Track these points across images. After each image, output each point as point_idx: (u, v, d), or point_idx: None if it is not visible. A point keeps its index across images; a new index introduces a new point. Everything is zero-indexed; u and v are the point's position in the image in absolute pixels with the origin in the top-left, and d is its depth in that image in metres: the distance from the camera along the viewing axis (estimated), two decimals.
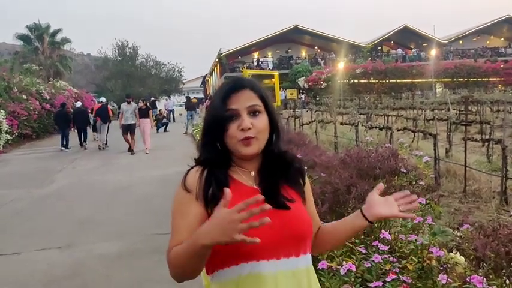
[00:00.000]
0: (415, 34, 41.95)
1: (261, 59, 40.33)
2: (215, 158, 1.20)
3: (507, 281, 1.85)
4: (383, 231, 2.46)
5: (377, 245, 2.28)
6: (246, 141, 1.16)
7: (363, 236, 2.59)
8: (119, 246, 4.74)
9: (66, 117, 14.77)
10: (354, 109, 15.33)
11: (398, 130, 9.32)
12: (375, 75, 34.91)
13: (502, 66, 36.86)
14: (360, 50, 40.15)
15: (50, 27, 35.42)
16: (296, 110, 17.62)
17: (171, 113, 27.15)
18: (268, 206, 0.97)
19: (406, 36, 42.36)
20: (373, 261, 2.16)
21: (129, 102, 12.78)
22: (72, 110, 16.52)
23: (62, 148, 14.09)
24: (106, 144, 14.40)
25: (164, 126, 20.23)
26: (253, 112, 1.18)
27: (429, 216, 2.78)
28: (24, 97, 18.09)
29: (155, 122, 20.74)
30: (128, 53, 38.30)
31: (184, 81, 44.64)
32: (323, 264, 2.19)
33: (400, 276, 2.01)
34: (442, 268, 2.00)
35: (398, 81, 35.02)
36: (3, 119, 15.02)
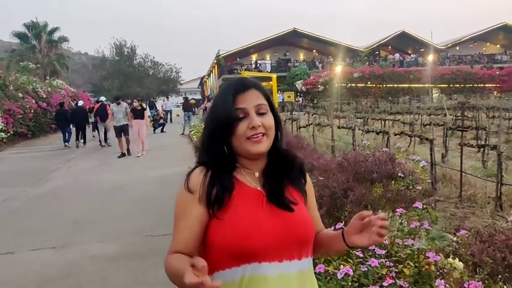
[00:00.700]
0: (413, 39, 42.16)
1: (259, 61, 40.40)
2: (220, 161, 1.19)
3: (504, 287, 1.85)
4: None
5: (374, 249, 2.29)
6: (256, 139, 1.16)
7: None
8: (115, 247, 4.72)
9: (66, 115, 15.23)
10: (351, 113, 15.38)
11: (395, 134, 9.34)
12: (372, 79, 35.04)
13: (497, 72, 37.14)
14: (358, 54, 40.28)
15: (47, 25, 35.28)
16: (293, 112, 17.63)
17: (169, 114, 27.10)
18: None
19: (404, 41, 42.56)
20: (369, 265, 2.16)
21: (118, 103, 12.15)
22: (69, 109, 16.95)
23: (66, 144, 14.74)
24: (106, 141, 14.75)
25: (161, 127, 20.18)
26: (260, 111, 1.18)
27: (426, 221, 2.78)
28: (20, 95, 18.00)
29: (152, 122, 20.72)
30: (125, 53, 38.23)
31: (181, 82, 44.60)
32: (320, 268, 2.19)
33: (397, 281, 2.01)
34: (439, 273, 2.00)
35: (395, 85, 35.15)
36: None
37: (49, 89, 22.31)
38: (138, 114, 12.27)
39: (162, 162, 10.32)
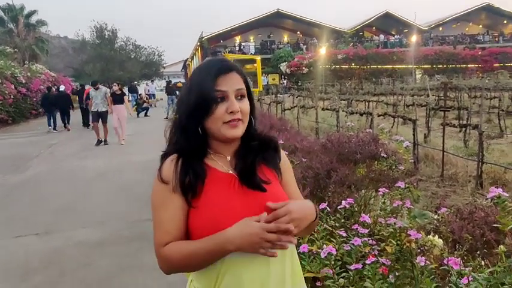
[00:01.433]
0: (396, 20, 42.24)
1: (243, 44, 40.05)
2: (193, 146, 1.17)
3: (482, 262, 1.89)
4: (363, 214, 2.48)
5: (357, 229, 2.31)
6: (233, 123, 1.14)
7: (343, 220, 2.61)
8: (99, 233, 4.68)
9: (53, 100, 15.61)
10: (335, 95, 15.41)
11: (379, 116, 9.42)
12: (356, 60, 35.13)
13: (479, 53, 37.59)
14: (342, 35, 40.21)
15: (24, 8, 34.28)
16: (278, 95, 17.59)
17: (152, 98, 26.78)
18: (291, 227, 1.05)
19: (388, 22, 42.62)
20: (352, 244, 2.18)
21: (96, 88, 11.50)
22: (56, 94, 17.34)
23: (50, 129, 15.02)
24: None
25: (145, 111, 19.97)
26: (239, 95, 1.17)
27: (408, 200, 2.81)
28: None
29: (135, 106, 20.47)
30: (106, 36, 37.40)
31: (164, 65, 43.97)
32: (304, 247, 2.20)
33: (379, 259, 2.03)
34: (420, 250, 2.03)
35: (379, 67, 35.33)
36: None
37: (28, 74, 21.80)
38: (117, 99, 11.53)
39: (145, 147, 10.21)
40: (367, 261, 1.99)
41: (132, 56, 38.57)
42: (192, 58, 47.49)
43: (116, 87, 11.86)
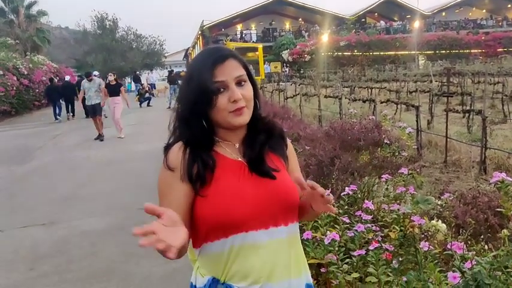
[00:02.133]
0: (399, 6, 41.77)
1: (244, 32, 39.74)
2: (199, 137, 1.16)
3: (485, 246, 1.91)
4: (366, 201, 2.50)
5: (360, 215, 2.32)
6: (238, 112, 1.13)
7: (346, 207, 2.63)
8: (105, 221, 4.73)
9: (58, 90, 16.26)
10: (338, 82, 15.33)
11: (382, 102, 9.38)
12: (359, 47, 34.86)
13: (483, 38, 37.21)
14: (344, 22, 39.86)
15: None
16: (280, 83, 17.52)
17: (153, 88, 26.70)
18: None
19: (390, 8, 42.16)
20: (356, 230, 2.20)
21: (90, 80, 10.71)
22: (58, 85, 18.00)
23: (57, 121, 15.43)
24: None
25: (147, 101, 19.96)
26: (240, 82, 1.15)
27: (411, 186, 2.82)
28: (1, 72, 17.55)
29: (138, 96, 20.44)
30: (107, 26, 37.21)
31: (166, 54, 43.76)
32: (308, 234, 2.22)
33: (383, 245, 2.05)
34: (423, 236, 2.05)
35: (381, 53, 35.06)
36: None
37: (30, 65, 21.76)
38: (113, 90, 10.64)
39: (148, 137, 10.23)
40: (371, 247, 2.01)
41: (134, 46, 38.39)
42: (194, 47, 47.24)
43: (111, 77, 11.09)
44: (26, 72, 20.06)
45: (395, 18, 43.32)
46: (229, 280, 1.14)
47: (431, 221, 2.04)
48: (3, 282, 3.47)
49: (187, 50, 53.16)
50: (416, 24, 36.69)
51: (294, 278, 1.19)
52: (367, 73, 24.78)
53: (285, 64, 35.67)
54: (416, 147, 6.14)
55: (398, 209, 2.36)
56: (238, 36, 38.85)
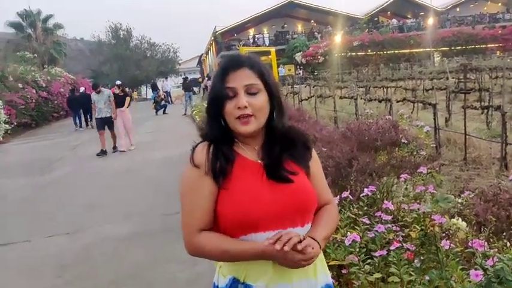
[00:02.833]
0: (412, 3, 41.31)
1: (256, 36, 39.84)
2: (219, 134, 1.23)
3: (508, 244, 1.89)
4: (386, 201, 2.50)
5: (380, 216, 2.32)
6: (244, 120, 1.18)
7: (366, 208, 2.63)
8: (127, 228, 4.81)
9: (77, 100, 16.94)
10: (353, 82, 15.27)
11: (398, 101, 9.30)
12: (372, 47, 34.56)
13: (500, 32, 36.44)
14: (357, 22, 39.62)
15: (41, 12, 34.85)
16: (294, 86, 17.52)
17: (168, 95, 26.97)
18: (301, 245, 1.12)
19: (403, 6, 41.73)
20: (376, 231, 2.20)
21: (98, 92, 9.93)
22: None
23: (76, 128, 16.48)
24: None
25: (163, 109, 20.17)
26: (250, 91, 1.19)
27: (431, 185, 2.81)
28: (20, 86, 17.97)
29: (154, 104, 20.68)
30: (121, 36, 37.83)
31: (180, 61, 44.23)
32: None
33: (404, 244, 2.05)
34: (444, 234, 2.04)
35: (396, 52, 34.69)
36: (1, 108, 14.98)
37: (48, 77, 22.23)
38: (119, 101, 10.21)
39: (165, 144, 10.36)
40: (392, 247, 2.01)
41: (148, 54, 38.95)
42: (207, 53, 47.54)
43: (117, 90, 10.61)
44: (44, 85, 20.50)
45: (409, 16, 42.86)
46: (248, 279, 1.18)
47: (452, 220, 2.03)
48: None
49: (201, 56, 53.54)
50: (430, 21, 36.23)
51: (312, 278, 1.22)
52: (382, 72, 24.59)
53: (298, 66, 35.62)
54: (434, 145, 6.07)
55: (418, 209, 2.36)
56: (251, 40, 38.97)
